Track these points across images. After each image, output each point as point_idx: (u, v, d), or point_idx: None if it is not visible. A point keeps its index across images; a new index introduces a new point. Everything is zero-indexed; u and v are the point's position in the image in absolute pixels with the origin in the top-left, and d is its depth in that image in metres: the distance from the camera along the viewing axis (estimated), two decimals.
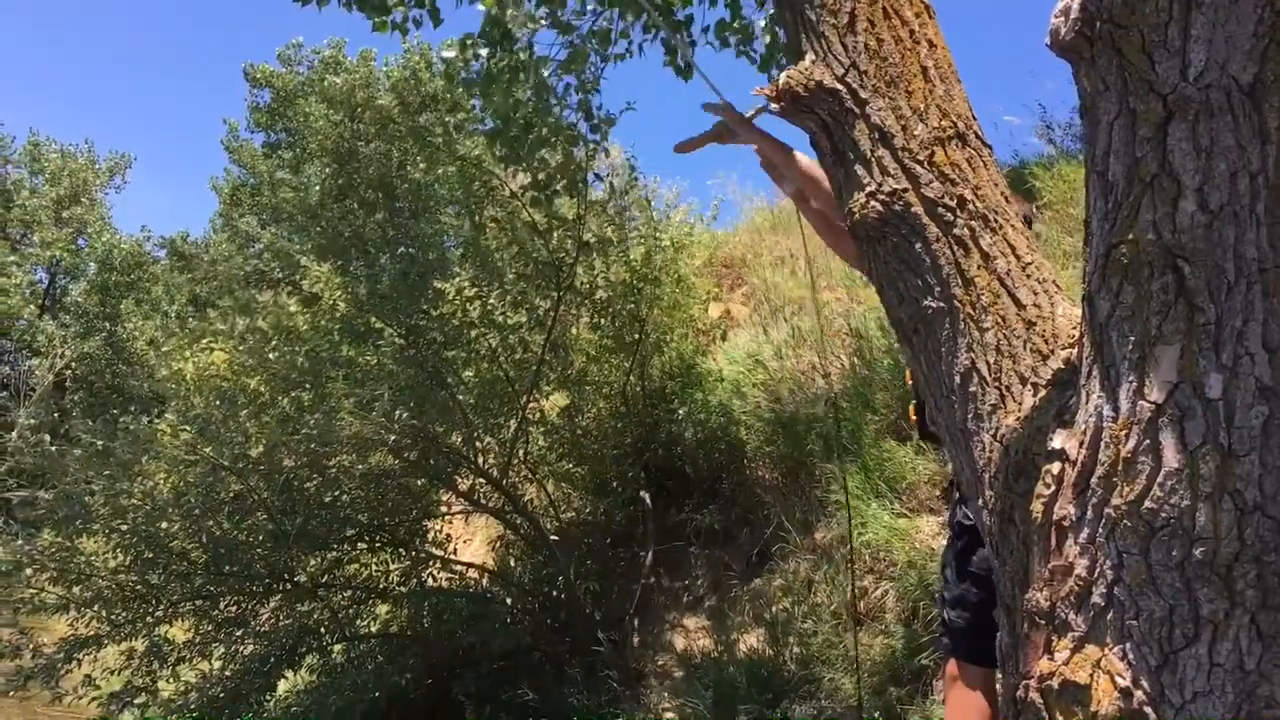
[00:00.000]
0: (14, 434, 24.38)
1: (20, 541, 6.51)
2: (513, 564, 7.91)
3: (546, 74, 6.36)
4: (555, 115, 6.39)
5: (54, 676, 6.33)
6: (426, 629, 6.92)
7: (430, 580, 7.17)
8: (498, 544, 8.11)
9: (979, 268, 1.99)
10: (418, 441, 6.20)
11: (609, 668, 6.37)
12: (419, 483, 6.99)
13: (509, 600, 7.03)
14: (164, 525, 6.10)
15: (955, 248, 2.00)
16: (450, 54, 6.46)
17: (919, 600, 5.55)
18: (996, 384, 1.94)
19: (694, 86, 6.56)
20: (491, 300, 6.64)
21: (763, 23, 7.11)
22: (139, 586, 6.37)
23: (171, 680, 6.72)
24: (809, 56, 2.21)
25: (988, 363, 1.95)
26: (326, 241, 6.40)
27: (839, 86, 2.14)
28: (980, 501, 1.99)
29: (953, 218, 2.01)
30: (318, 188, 7.16)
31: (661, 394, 8.04)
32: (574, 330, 7.84)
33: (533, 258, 6.49)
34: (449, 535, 7.51)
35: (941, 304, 2.00)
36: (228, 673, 6.63)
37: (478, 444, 6.66)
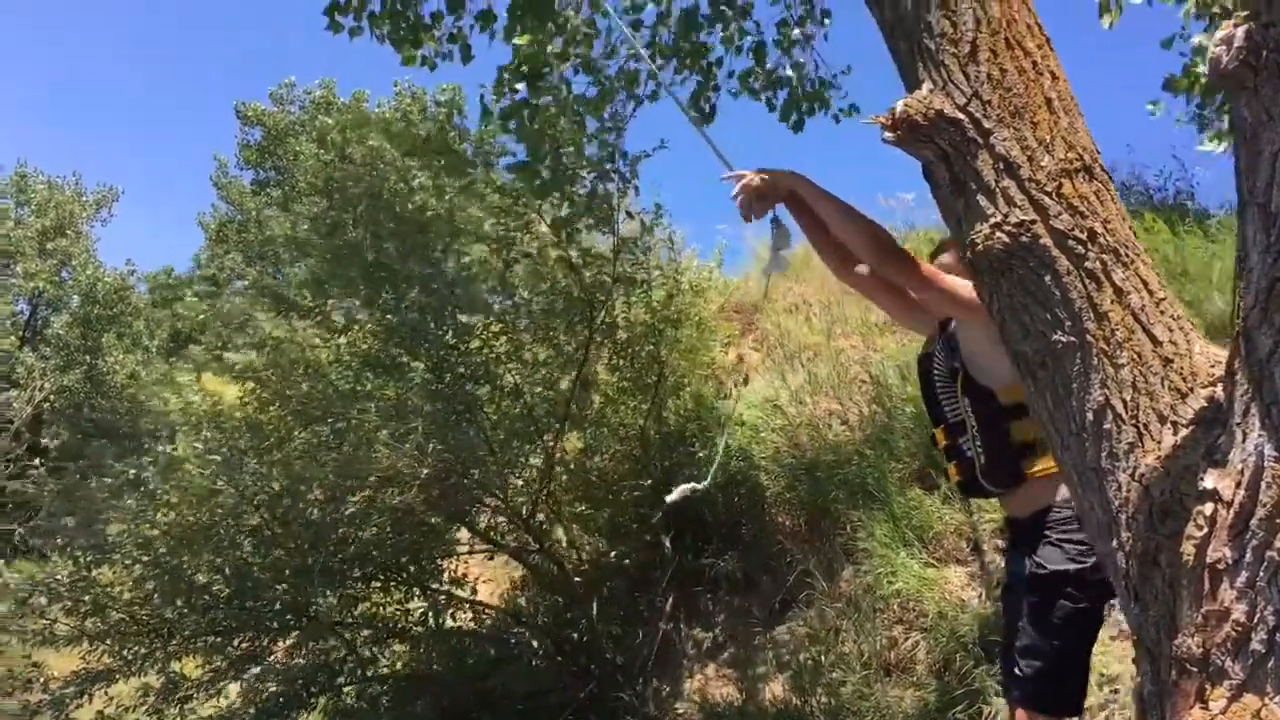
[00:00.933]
0: None
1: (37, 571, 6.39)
2: (525, 604, 7.80)
3: (578, 109, 6.37)
4: (584, 153, 6.39)
5: (63, 711, 6.22)
6: (445, 670, 6.80)
7: (450, 620, 7.06)
8: (518, 585, 8.00)
9: (1112, 302, 1.93)
10: (447, 477, 6.11)
11: (630, 714, 6.24)
12: (436, 521, 6.91)
13: (535, 643, 6.91)
14: (186, 558, 6.00)
15: (1087, 281, 1.95)
16: (445, 97, 6.51)
17: (952, 652, 5.47)
18: (1133, 422, 1.88)
19: (716, 130, 6.55)
20: (520, 336, 6.60)
21: (789, 71, 7.16)
22: (152, 620, 6.26)
23: (180, 718, 6.59)
24: (926, 85, 2.16)
25: (1123, 400, 1.89)
26: (356, 273, 6.34)
27: (961, 116, 2.09)
28: (1115, 543, 1.92)
29: (1084, 250, 1.96)
30: (344, 219, 7.10)
31: (680, 437, 7.97)
32: (591, 370, 7.78)
33: (565, 293, 6.45)
34: (465, 575, 7.40)
35: (1073, 339, 1.95)
36: (250, 711, 6.50)
37: (507, 482, 6.58)
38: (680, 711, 6.61)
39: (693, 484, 3.76)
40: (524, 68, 6.25)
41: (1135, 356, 1.90)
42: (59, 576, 6.24)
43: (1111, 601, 4.26)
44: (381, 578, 6.97)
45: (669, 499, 3.77)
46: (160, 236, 61.63)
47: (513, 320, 6.70)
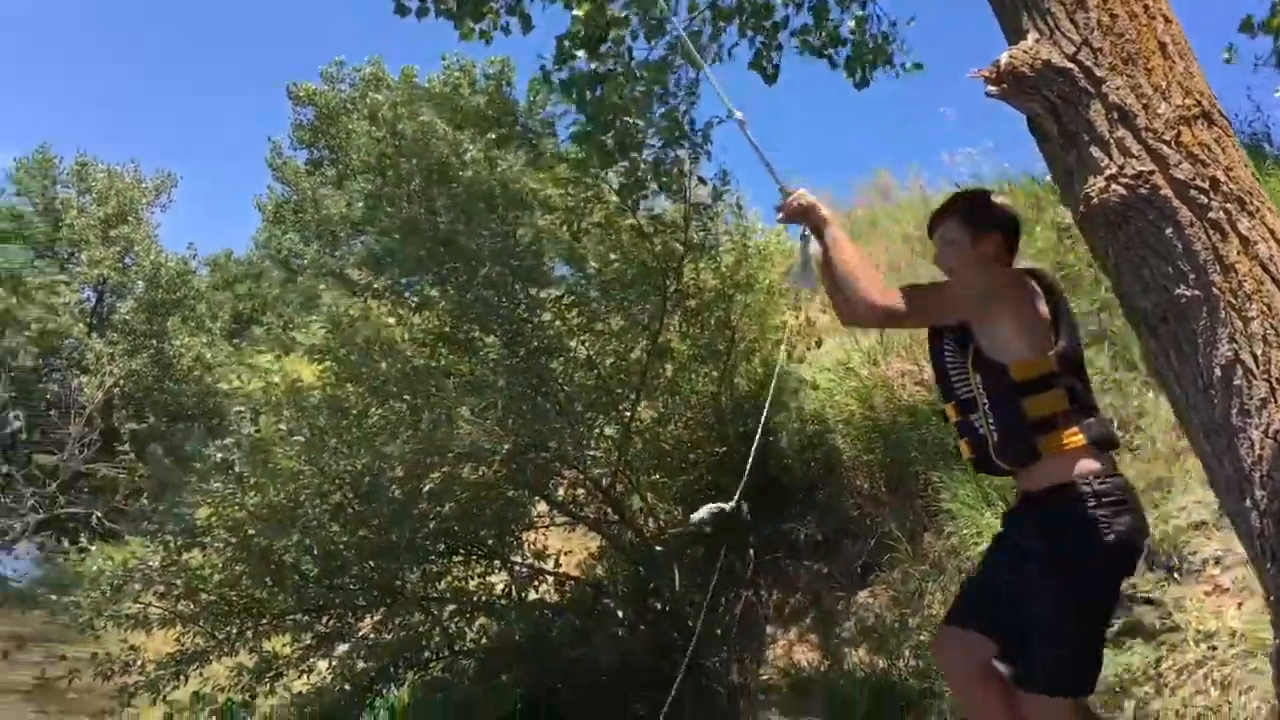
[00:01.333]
0: (65, 451, 24.81)
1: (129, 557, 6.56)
2: (605, 575, 7.82)
3: (643, 77, 6.30)
4: (650, 119, 6.33)
5: (159, 692, 6.39)
6: (529, 642, 6.85)
7: (532, 593, 7.12)
8: (597, 556, 8.04)
9: (1239, 253, 1.86)
10: (525, 450, 6.14)
11: (715, 681, 6.25)
12: (515, 494, 6.95)
13: (618, 613, 6.95)
14: (276, 539, 6.11)
15: (1211, 232, 1.88)
16: (493, 69, 6.49)
17: None
18: (1265, 377, 1.81)
19: (777, 92, 6.42)
20: (592, 307, 6.60)
21: (852, 23, 7.03)
22: (243, 600, 6.39)
23: (270, 695, 6.75)
24: (1031, 35, 2.09)
25: (1254, 354, 1.83)
26: (425, 250, 6.37)
27: (1070, 65, 2.02)
28: (1247, 502, 1.86)
29: (1207, 200, 1.89)
30: (399, 195, 7.11)
31: (754, 402, 7.92)
32: (663, 338, 7.75)
33: (636, 262, 6.43)
34: (546, 547, 7.45)
35: (1197, 292, 1.88)
36: (343, 687, 6.63)
37: (585, 453, 6.60)
38: (765, 677, 6.61)
39: (720, 504, 3.77)
40: (587, 34, 6.21)
41: (1265, 309, 1.83)
42: (151, 563, 6.40)
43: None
44: (463, 552, 7.04)
45: (694, 518, 3.79)
46: (218, 220, 62.68)
47: (584, 291, 6.70)
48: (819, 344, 8.06)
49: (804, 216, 3.19)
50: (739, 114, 3.52)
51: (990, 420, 3.02)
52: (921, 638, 5.82)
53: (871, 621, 6.41)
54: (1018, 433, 2.97)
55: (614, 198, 6.37)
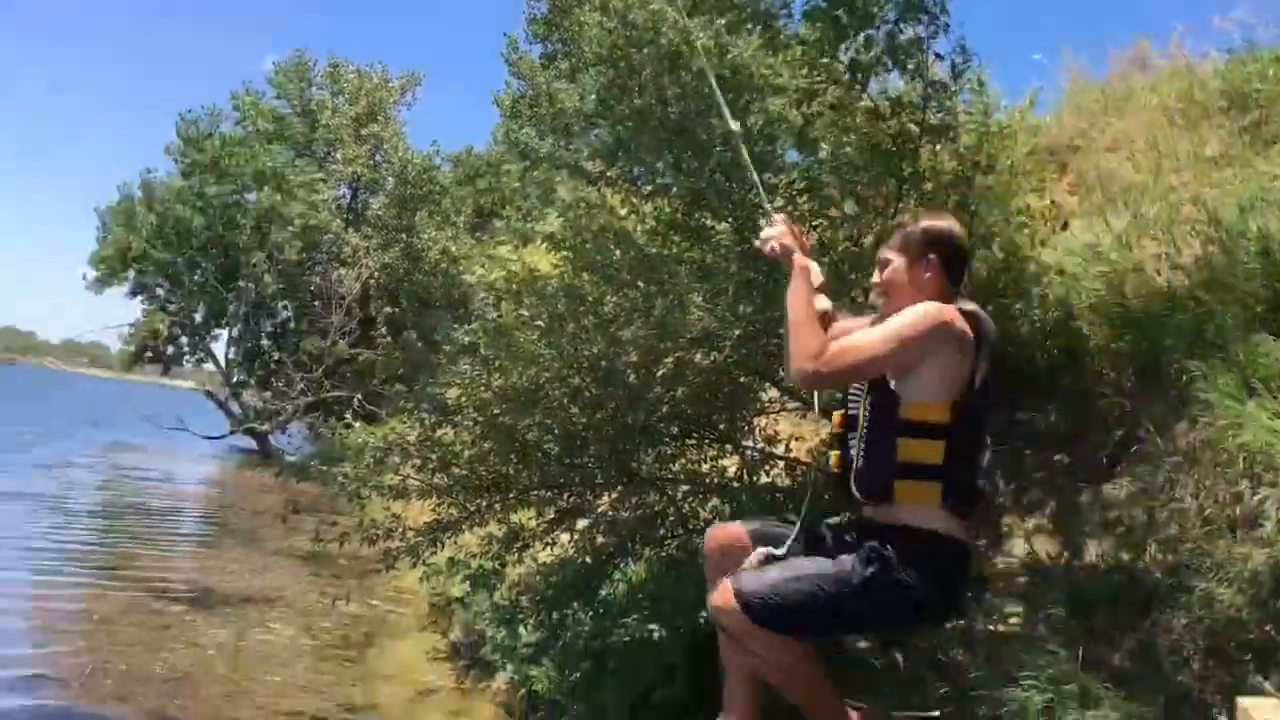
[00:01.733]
0: (328, 339, 26.79)
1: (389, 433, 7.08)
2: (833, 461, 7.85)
3: None
4: None
5: (419, 557, 6.96)
6: None
7: (764, 477, 7.24)
8: (829, 443, 8.05)
9: None
10: (758, 336, 6.20)
11: None
12: (746, 379, 7.04)
13: None
14: (520, 419, 6.47)
15: None
16: None
17: None
18: None
19: None
20: (824, 191, 6.52)
21: None
22: (491, 475, 6.81)
23: (518, 564, 7.21)
24: None
25: None
26: (658, 141, 6.42)
27: None
28: None
29: None
30: (631, 86, 7.15)
31: (992, 288, 7.65)
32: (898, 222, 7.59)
33: (872, 146, 6.28)
34: (777, 433, 7.53)
35: None
36: (584, 560, 7.01)
37: None
38: (1001, 566, 6.51)
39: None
40: None
41: None
42: (409, 438, 6.93)
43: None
44: (696, 435, 7.22)
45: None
46: (460, 117, 64.91)
47: (816, 176, 6.60)
48: (1065, 226, 7.69)
49: (779, 256, 3.47)
50: (735, 125, 3.75)
51: (863, 446, 3.07)
52: (1170, 531, 5.59)
53: (1116, 514, 6.19)
54: (883, 468, 3.00)
55: (847, 78, 6.21)
